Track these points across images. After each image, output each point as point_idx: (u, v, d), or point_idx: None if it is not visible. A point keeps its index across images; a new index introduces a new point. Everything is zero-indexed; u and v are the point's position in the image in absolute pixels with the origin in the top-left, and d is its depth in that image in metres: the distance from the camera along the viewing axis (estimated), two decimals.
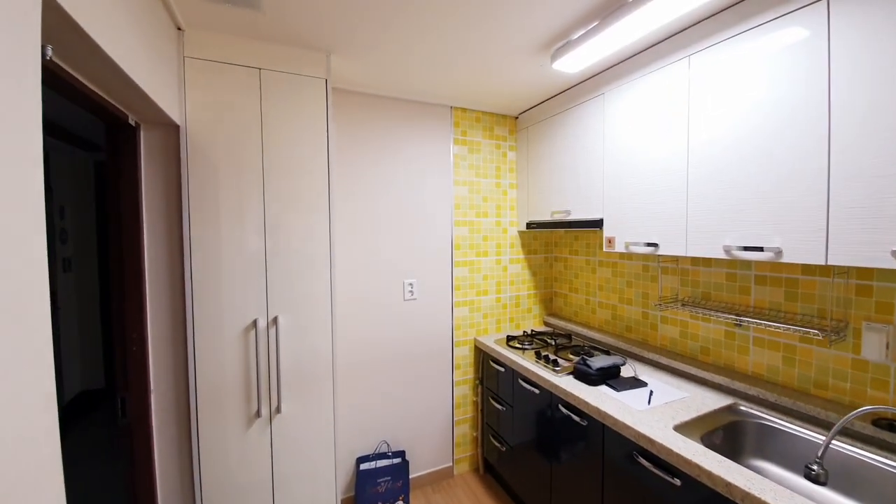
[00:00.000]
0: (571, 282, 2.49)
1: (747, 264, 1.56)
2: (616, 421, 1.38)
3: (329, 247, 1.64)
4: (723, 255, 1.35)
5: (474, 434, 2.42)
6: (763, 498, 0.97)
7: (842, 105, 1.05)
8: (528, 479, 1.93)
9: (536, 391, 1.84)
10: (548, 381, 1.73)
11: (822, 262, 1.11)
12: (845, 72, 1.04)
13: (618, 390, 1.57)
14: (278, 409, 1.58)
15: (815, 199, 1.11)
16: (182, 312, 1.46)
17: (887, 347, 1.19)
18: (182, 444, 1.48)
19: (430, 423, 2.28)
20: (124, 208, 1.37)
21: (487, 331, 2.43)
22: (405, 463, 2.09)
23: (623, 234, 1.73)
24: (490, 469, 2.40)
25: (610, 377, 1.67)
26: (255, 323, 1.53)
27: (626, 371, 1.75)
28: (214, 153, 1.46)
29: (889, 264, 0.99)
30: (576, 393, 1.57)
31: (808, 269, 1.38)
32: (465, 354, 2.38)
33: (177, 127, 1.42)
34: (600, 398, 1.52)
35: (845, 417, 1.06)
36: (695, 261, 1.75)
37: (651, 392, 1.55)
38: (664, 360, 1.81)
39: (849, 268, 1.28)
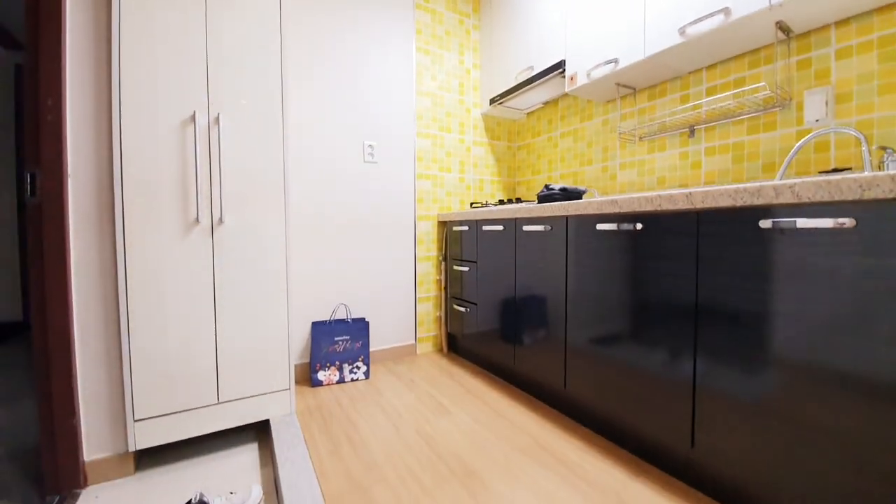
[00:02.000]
0: (534, 164, 2.50)
1: (698, 79, 1.61)
2: (579, 206, 1.37)
3: (280, 59, 1.51)
4: (678, 40, 1.39)
5: (437, 314, 2.35)
6: (722, 187, 0.98)
7: None
8: (493, 328, 1.89)
9: (500, 227, 1.81)
10: (511, 209, 1.71)
11: (767, 6, 1.16)
12: None
13: None
14: (220, 220, 1.43)
15: None
16: (108, 91, 1.29)
17: (826, 105, 1.27)
18: (104, 238, 1.29)
19: (393, 297, 2.18)
20: None
21: (451, 208, 2.38)
22: (365, 324, 1.98)
23: (584, 64, 1.75)
24: (455, 349, 2.33)
25: (572, 198, 1.67)
26: (194, 118, 1.38)
27: (589, 196, 1.76)
28: None
29: None
30: (540, 206, 1.56)
31: (754, 62, 1.45)
32: (429, 230, 2.31)
33: None
34: (565, 203, 1.51)
35: (788, 156, 1.10)
36: (650, 94, 1.80)
37: None
38: (624, 196, 1.84)
39: (790, 45, 1.35)
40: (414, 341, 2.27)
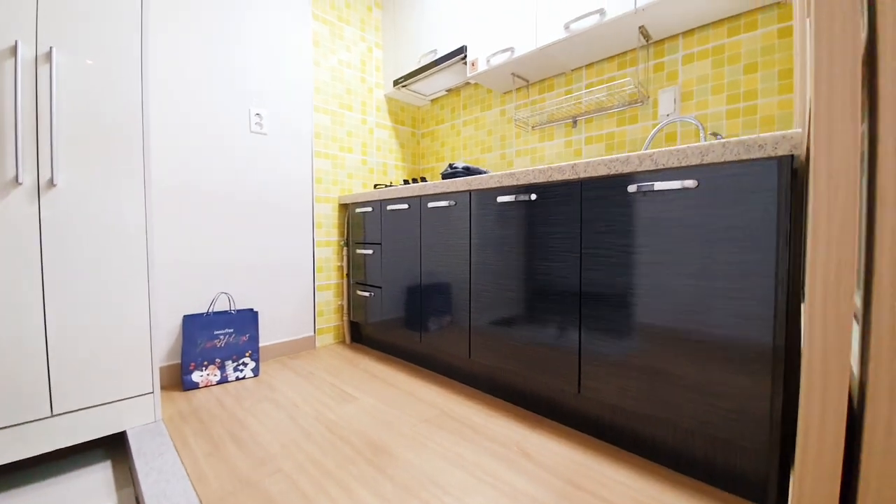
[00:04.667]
0: (438, 152, 2.53)
1: (579, 76, 1.81)
2: (481, 180, 1.42)
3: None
4: (563, 34, 1.53)
5: (339, 302, 2.22)
6: (600, 158, 1.10)
7: None
8: (399, 310, 1.85)
9: (405, 206, 1.78)
10: (416, 187, 1.69)
11: (632, 9, 1.35)
12: None
13: None
14: (51, 181, 1.12)
15: None
16: None
17: (675, 101, 1.53)
18: None
19: (288, 286, 1.99)
20: None
21: (352, 191, 2.28)
22: (254, 314, 1.76)
23: (484, 51, 1.83)
24: (359, 339, 2.23)
25: (475, 174, 1.72)
26: (15, 50, 1.06)
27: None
28: None
29: None
30: (445, 182, 1.57)
31: (622, 63, 1.68)
32: (328, 213, 2.16)
33: None
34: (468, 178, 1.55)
35: (647, 140, 1.29)
36: (541, 88, 1.96)
37: None
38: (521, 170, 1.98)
39: (648, 50, 1.60)
40: (313, 333, 2.10)
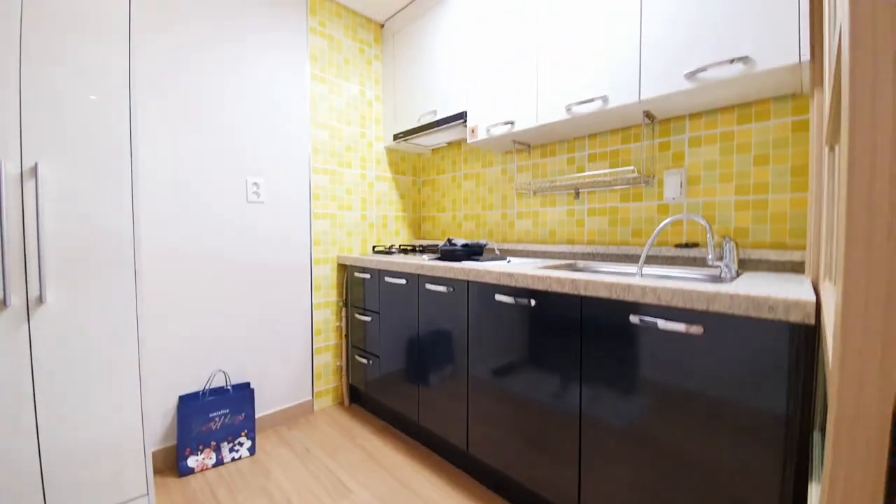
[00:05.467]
0: (439, 202, 2.49)
1: (582, 145, 1.76)
2: (479, 272, 1.38)
3: (128, 93, 1.23)
4: (565, 116, 1.48)
5: (338, 363, 2.19)
6: (601, 279, 1.05)
7: None
8: (398, 383, 1.81)
9: (403, 282, 1.75)
10: (414, 264, 1.65)
11: (637, 100, 1.29)
12: None
13: (481, 262, 1.59)
14: (41, 299, 1.11)
15: (631, 51, 1.29)
16: None
17: (681, 186, 1.47)
18: None
19: (285, 352, 1.97)
20: None
21: (352, 250, 2.24)
22: (249, 392, 1.74)
23: (484, 120, 1.78)
24: (357, 399, 2.20)
25: (474, 253, 1.68)
26: None
27: (490, 251, 1.80)
28: None
29: (682, 86, 1.19)
30: (441, 266, 1.53)
31: (625, 137, 1.62)
32: (327, 274, 2.14)
33: None
34: (466, 266, 1.50)
35: (651, 237, 1.24)
36: (543, 152, 1.91)
37: (509, 261, 1.62)
38: (520, 247, 1.93)
39: (654, 127, 1.54)
40: (311, 397, 2.08)
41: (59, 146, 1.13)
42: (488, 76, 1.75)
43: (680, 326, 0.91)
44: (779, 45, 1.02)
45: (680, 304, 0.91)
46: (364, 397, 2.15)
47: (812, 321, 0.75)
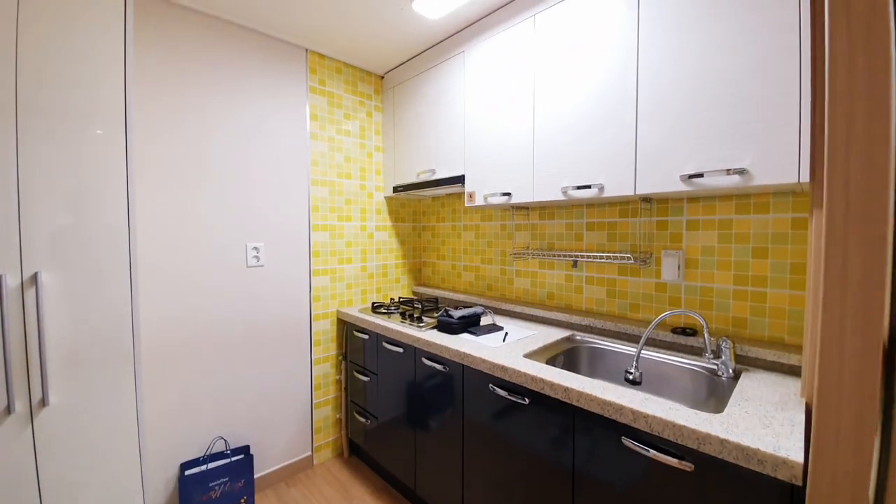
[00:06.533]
0: (439, 249, 2.50)
1: (580, 213, 1.75)
2: (474, 359, 1.38)
3: (126, 196, 1.24)
4: (561, 197, 1.48)
5: (338, 416, 2.21)
6: (594, 394, 1.05)
7: (646, 83, 1.24)
8: (396, 447, 1.82)
9: (400, 350, 1.75)
10: (411, 335, 1.66)
11: (632, 193, 1.29)
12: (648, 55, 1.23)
13: (477, 335, 1.59)
14: (44, 401, 1.13)
15: (626, 149, 1.29)
16: None
17: (679, 268, 1.46)
18: None
19: (284, 410, 1.98)
20: None
21: (352, 302, 2.26)
22: (248, 459, 1.76)
23: (482, 188, 1.78)
24: (357, 451, 2.21)
25: (471, 325, 1.68)
26: (0, 281, 1.07)
27: (486, 320, 1.80)
28: None
29: (678, 187, 1.18)
30: (437, 342, 1.53)
31: (623, 211, 1.61)
32: (327, 329, 2.15)
33: None
34: (460, 343, 1.50)
35: (649, 328, 1.23)
36: (542, 215, 1.91)
37: (506, 333, 1.61)
38: (518, 309, 1.93)
39: (651, 206, 1.53)
40: (311, 452, 2.10)
41: (58, 253, 1.15)
42: (486, 148, 1.74)
43: (671, 460, 0.91)
44: (777, 164, 1.01)
45: (670, 437, 0.91)
46: (363, 450, 2.17)
47: (799, 482, 0.74)
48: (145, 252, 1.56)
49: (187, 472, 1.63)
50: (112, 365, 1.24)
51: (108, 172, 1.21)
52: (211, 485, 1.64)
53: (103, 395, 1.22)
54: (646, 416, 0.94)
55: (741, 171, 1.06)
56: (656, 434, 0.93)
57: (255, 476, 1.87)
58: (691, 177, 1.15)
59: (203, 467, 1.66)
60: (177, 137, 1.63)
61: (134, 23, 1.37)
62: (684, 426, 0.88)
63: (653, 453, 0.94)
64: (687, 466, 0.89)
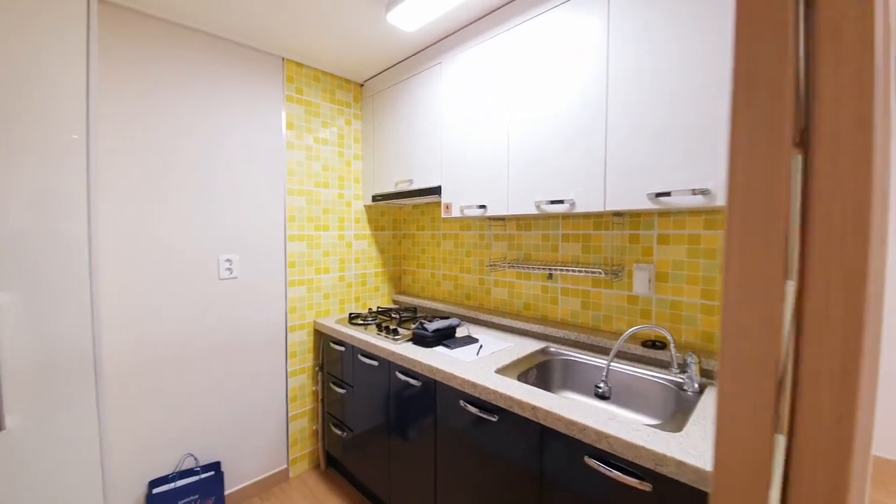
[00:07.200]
0: (419, 258, 2.49)
1: (556, 224, 1.76)
2: (445, 374, 1.37)
3: (87, 212, 1.21)
4: (535, 211, 1.48)
5: (314, 427, 2.18)
6: (559, 413, 1.05)
7: (614, 98, 1.25)
8: (371, 460, 1.81)
9: (376, 363, 1.74)
10: (386, 349, 1.65)
11: (602, 209, 1.30)
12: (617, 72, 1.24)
13: (451, 348, 1.59)
14: (0, 425, 1.09)
15: (597, 167, 1.30)
16: None
17: (650, 282, 1.47)
18: None
19: (259, 423, 1.95)
20: None
21: (329, 312, 2.23)
22: (219, 475, 1.73)
23: (458, 199, 1.78)
24: (334, 463, 2.19)
25: (445, 338, 1.68)
26: None
27: (462, 331, 1.79)
28: None
29: (646, 205, 1.20)
30: (410, 356, 1.52)
31: (597, 224, 1.62)
32: (303, 339, 2.12)
33: None
34: (433, 357, 1.50)
35: (617, 343, 1.24)
36: (519, 226, 1.91)
37: (481, 346, 1.61)
38: (495, 319, 1.93)
39: (624, 220, 1.54)
40: (286, 465, 2.06)
41: (12, 270, 1.11)
42: (462, 160, 1.74)
43: (632, 480, 0.91)
44: None
45: (630, 458, 0.91)
46: (340, 464, 2.14)
47: None
48: (108, 266, 1.52)
49: (155, 490, 1.59)
50: (73, 385, 1.20)
51: (68, 179, 1.18)
52: (180, 502, 1.60)
53: (63, 416, 1.18)
54: (608, 437, 0.95)
55: (704, 192, 1.08)
56: (618, 455, 0.94)
57: (228, 492, 1.83)
58: (658, 195, 1.16)
59: (172, 485, 1.62)
60: (143, 147, 1.59)
61: (98, 31, 1.33)
62: (643, 447, 0.89)
63: (615, 473, 0.94)
64: (646, 486, 0.89)
